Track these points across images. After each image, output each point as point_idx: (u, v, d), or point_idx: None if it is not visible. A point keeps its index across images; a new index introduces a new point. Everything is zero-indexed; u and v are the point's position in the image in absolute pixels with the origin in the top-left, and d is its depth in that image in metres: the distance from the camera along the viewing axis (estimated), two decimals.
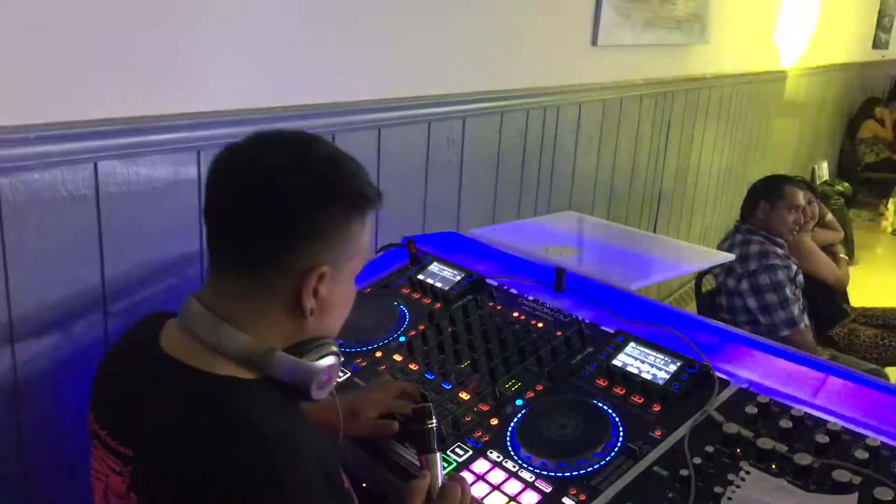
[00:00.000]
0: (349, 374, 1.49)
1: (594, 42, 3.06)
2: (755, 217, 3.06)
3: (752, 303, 2.92)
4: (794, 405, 1.20)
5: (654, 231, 3.90)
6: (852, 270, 3.69)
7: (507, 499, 1.15)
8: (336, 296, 1.03)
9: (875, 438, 1.11)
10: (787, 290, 2.90)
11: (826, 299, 3.33)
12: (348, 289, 1.07)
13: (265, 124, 1.85)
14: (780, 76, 5.18)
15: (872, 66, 7.55)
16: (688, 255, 1.67)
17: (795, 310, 2.90)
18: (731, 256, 1.53)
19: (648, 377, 1.31)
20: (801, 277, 3.04)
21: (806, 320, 2.98)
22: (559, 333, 1.48)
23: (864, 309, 3.49)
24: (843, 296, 3.50)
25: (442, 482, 1.12)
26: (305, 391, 1.02)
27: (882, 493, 1.01)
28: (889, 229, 6.46)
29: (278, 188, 0.96)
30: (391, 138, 2.23)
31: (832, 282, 3.35)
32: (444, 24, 2.35)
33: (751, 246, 2.98)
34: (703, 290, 3.22)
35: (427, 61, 2.31)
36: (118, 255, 1.61)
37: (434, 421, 1.16)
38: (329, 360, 1.04)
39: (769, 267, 2.91)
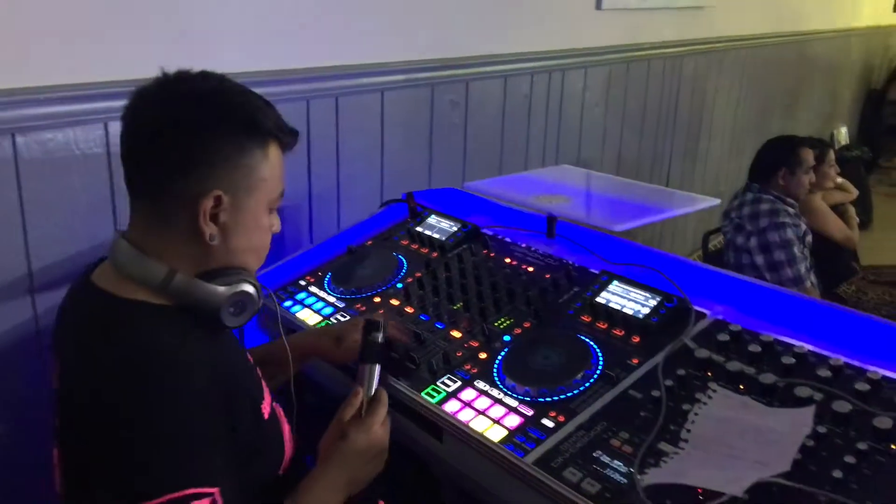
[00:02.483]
0: (349, 318, 1.56)
1: (599, 6, 3.09)
2: (773, 182, 3.07)
3: (759, 260, 2.95)
4: (763, 332, 1.25)
5: None
6: (870, 234, 3.70)
7: (490, 422, 1.22)
8: (241, 224, 1.06)
9: (838, 359, 1.16)
10: (796, 249, 2.93)
11: (835, 258, 3.35)
12: (255, 219, 1.08)
13: (270, 87, 1.93)
14: (797, 39, 5.14)
15: (893, 30, 7.43)
16: (673, 200, 1.72)
17: (802, 268, 2.93)
18: (715, 202, 1.58)
19: (630, 312, 1.37)
20: (809, 237, 3.06)
21: (812, 279, 3.01)
22: (548, 276, 1.54)
23: (873, 267, 3.50)
24: (853, 254, 3.52)
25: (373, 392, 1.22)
26: (217, 317, 1.07)
27: (840, 405, 1.07)
28: None
29: (163, 122, 1.02)
30: (394, 101, 2.29)
31: (841, 240, 3.37)
32: None
33: (762, 204, 3.01)
34: (712, 248, 3.26)
35: (430, 25, 2.37)
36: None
37: (380, 335, 1.24)
38: (239, 287, 1.07)
39: (779, 225, 2.94)
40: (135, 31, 1.65)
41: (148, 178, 1.05)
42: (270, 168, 1.07)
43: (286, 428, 1.22)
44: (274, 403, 1.19)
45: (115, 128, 1.64)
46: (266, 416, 1.14)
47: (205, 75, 1.08)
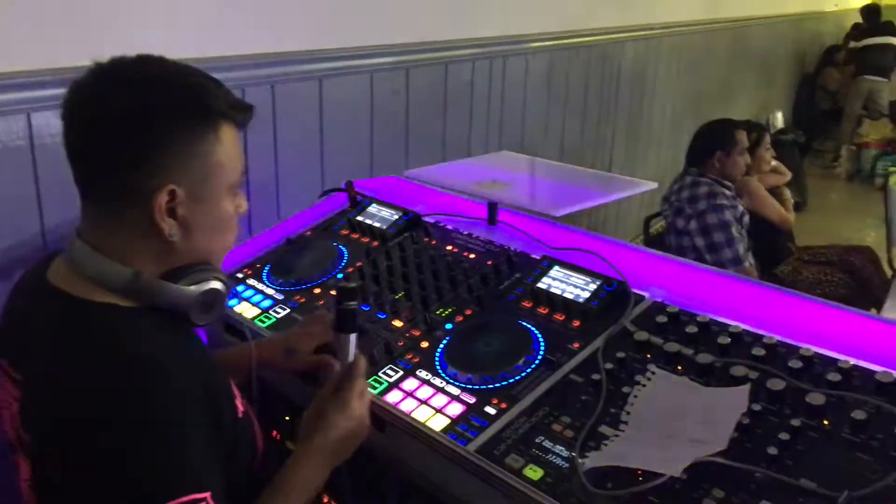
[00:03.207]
0: (288, 310, 1.53)
1: None
2: (710, 165, 3.12)
3: (699, 242, 3.01)
4: (700, 313, 1.27)
5: None
6: (805, 215, 3.80)
7: (433, 411, 1.21)
8: (202, 216, 1.02)
9: (772, 337, 1.18)
10: (734, 230, 3.00)
11: (771, 239, 3.44)
12: (216, 208, 1.04)
13: None
14: (732, 25, 5.24)
15: (826, 16, 7.64)
16: (611, 185, 1.73)
17: (741, 248, 3.00)
18: (653, 185, 1.60)
19: (570, 296, 1.37)
20: (746, 218, 3.13)
21: (751, 259, 3.09)
22: (489, 262, 1.54)
23: (808, 247, 3.60)
24: (789, 235, 3.61)
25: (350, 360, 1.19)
26: (187, 316, 1.04)
27: (774, 383, 1.09)
28: (843, 175, 6.61)
29: (105, 114, 0.95)
30: (333, 89, 2.26)
31: (777, 221, 3.45)
32: None
33: (700, 187, 3.07)
34: (653, 232, 3.30)
35: (368, 12, 2.34)
36: (57, 204, 1.63)
37: (354, 303, 1.19)
38: (207, 286, 1.04)
39: (717, 207, 3.00)
40: (56, 17, 1.59)
41: (96, 177, 0.99)
42: (225, 151, 1.01)
43: (256, 424, 1.20)
44: (243, 400, 1.16)
45: (39, 119, 1.59)
46: (240, 413, 1.11)
47: (143, 59, 1.01)
